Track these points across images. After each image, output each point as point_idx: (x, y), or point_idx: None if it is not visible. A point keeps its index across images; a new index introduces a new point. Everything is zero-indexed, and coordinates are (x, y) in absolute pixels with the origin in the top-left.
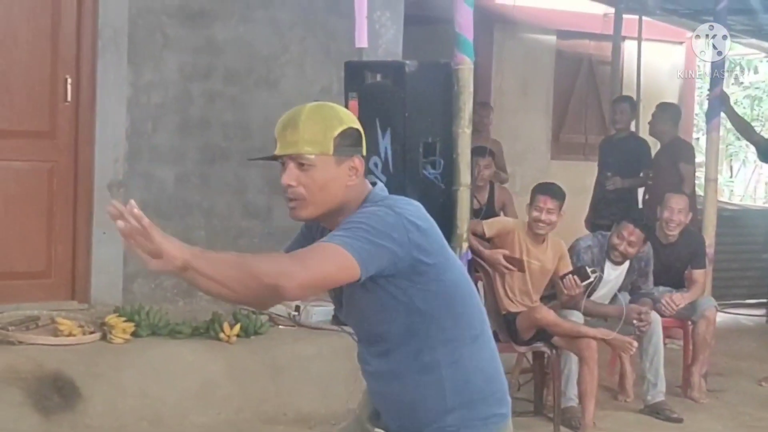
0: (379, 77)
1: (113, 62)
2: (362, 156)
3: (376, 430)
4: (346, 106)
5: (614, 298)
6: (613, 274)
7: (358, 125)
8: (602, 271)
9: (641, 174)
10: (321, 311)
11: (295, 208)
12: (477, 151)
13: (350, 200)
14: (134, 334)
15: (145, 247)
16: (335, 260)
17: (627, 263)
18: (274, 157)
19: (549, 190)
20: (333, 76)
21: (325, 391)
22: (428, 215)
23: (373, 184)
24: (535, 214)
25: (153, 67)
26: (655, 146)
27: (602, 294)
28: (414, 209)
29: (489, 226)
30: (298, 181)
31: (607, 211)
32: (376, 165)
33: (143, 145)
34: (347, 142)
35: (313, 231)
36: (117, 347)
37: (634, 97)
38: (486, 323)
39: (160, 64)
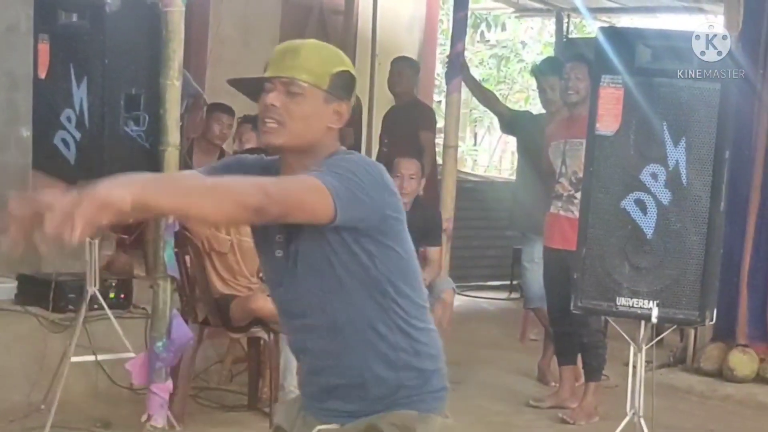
0: (75, 17)
1: None
2: (349, 105)
3: (322, 428)
4: (35, 51)
5: None
6: None
7: (355, 74)
8: None
9: None
10: (1, 289)
11: (270, 132)
12: (223, 108)
13: (323, 145)
14: None
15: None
16: (314, 192)
17: None
18: (263, 80)
19: None
20: (21, 14)
21: (2, 383)
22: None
23: None
24: None
25: None
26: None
27: None
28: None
29: None
30: (282, 104)
31: None
32: (69, 119)
33: None
34: (342, 83)
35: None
36: None
37: (370, 55)
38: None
39: None
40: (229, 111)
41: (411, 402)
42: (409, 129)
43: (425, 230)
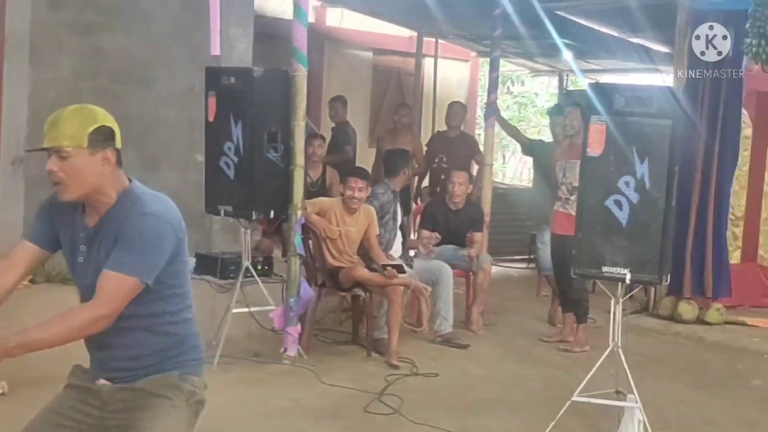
0: (233, 80)
1: (16, 64)
2: (115, 149)
3: (100, 381)
4: (206, 103)
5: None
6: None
7: (112, 124)
8: (395, 212)
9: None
10: None
11: (59, 191)
12: (313, 135)
13: (107, 185)
14: (31, 281)
15: None
16: (125, 289)
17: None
18: (43, 150)
19: (358, 173)
20: (196, 79)
21: None
22: (174, 207)
23: (130, 180)
24: (349, 192)
25: (50, 68)
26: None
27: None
28: (174, 212)
29: (311, 206)
30: (59, 168)
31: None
32: (229, 149)
33: (40, 131)
34: (100, 137)
35: (59, 214)
36: None
37: (432, 103)
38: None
39: (56, 66)
40: (317, 136)
41: (173, 366)
42: (463, 152)
43: (473, 220)
